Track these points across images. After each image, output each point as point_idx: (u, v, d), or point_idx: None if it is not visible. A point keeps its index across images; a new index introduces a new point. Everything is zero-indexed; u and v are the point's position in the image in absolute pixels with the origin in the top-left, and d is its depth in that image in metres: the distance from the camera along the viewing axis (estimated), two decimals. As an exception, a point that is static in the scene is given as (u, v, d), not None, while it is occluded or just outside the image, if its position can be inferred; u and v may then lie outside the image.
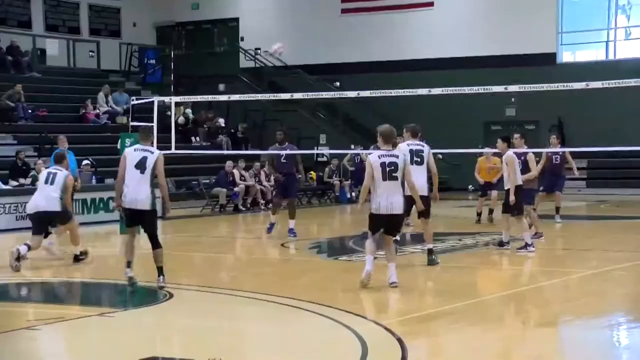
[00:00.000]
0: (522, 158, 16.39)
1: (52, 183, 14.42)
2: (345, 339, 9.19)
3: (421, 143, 13.70)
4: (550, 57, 32.09)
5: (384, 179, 11.59)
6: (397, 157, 11.75)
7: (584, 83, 17.06)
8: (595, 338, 9.47)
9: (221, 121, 31.60)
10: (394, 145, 12.32)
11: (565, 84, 18.09)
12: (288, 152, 18.15)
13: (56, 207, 14.33)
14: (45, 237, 14.81)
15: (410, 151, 13.23)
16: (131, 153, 12.21)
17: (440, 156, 19.71)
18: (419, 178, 12.92)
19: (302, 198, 28.07)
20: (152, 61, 34.66)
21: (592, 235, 18.80)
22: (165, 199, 12.74)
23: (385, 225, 11.79)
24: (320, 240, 18.42)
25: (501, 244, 15.65)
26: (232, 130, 31.62)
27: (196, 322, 10.19)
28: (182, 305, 11.27)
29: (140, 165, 12.08)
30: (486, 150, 18.96)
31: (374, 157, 11.70)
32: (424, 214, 13.46)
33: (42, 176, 14.80)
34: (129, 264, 12.35)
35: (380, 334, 9.30)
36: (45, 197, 14.35)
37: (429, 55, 33.36)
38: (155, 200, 12.23)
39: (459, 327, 9.75)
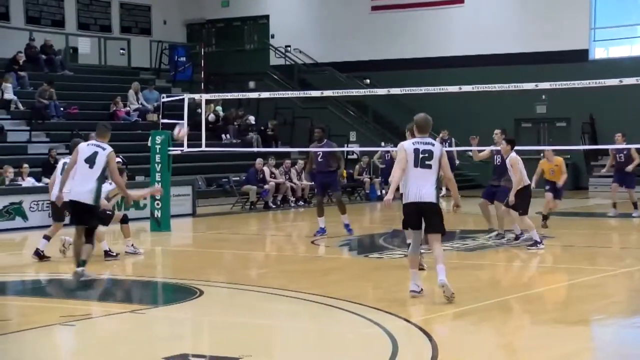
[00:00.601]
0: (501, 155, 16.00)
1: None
2: (375, 336, 9.18)
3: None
4: (582, 54, 31.87)
5: (416, 166, 10.60)
6: (434, 145, 10.77)
7: (617, 79, 16.95)
8: (628, 337, 9.39)
9: (251, 118, 31.65)
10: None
11: (597, 81, 18.00)
12: (325, 149, 17.94)
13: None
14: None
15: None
16: (83, 147, 12.49)
17: (469, 153, 19.52)
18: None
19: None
20: (183, 59, 34.79)
21: (622, 233, 18.65)
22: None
23: (416, 217, 10.69)
24: (350, 237, 18.38)
25: (517, 238, 15.66)
26: (262, 128, 31.67)
27: (226, 319, 10.22)
28: (212, 302, 11.30)
29: (90, 160, 12.31)
30: (547, 148, 18.79)
31: (407, 144, 10.78)
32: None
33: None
34: (81, 264, 12.30)
35: (410, 332, 9.28)
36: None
37: (460, 53, 33.24)
38: (99, 196, 12.44)
39: (490, 325, 9.71)
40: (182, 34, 38.30)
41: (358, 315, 10.06)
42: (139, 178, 22.70)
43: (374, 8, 35.25)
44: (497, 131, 16.39)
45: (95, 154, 12.33)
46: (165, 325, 10.04)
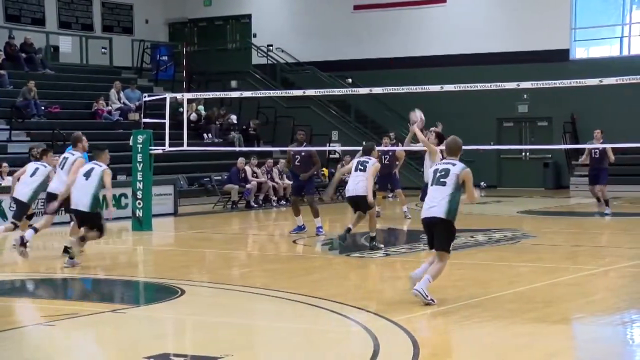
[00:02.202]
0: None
1: (62, 168, 14.68)
2: (357, 335, 9.18)
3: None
4: (563, 54, 31.99)
5: (432, 184, 10.77)
6: (454, 165, 10.72)
7: (598, 79, 17.02)
8: (608, 335, 9.43)
9: (233, 118, 31.61)
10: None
11: (578, 80, 18.08)
12: (303, 150, 18.11)
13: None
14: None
15: (358, 162, 15.40)
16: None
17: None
18: (360, 182, 15.25)
19: (314, 195, 28.03)
20: (165, 58, 34.72)
21: (605, 231, 18.74)
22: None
23: (427, 233, 10.82)
24: (332, 237, 18.36)
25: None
26: (244, 127, 31.63)
27: (208, 319, 10.19)
28: (194, 302, 11.27)
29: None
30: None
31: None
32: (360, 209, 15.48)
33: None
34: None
35: (392, 331, 9.28)
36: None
37: (442, 52, 33.30)
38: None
39: (472, 324, 9.71)
40: (164, 33, 38.22)
41: (340, 314, 10.06)
42: (121, 177, 22.61)
43: (356, 7, 35.27)
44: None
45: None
46: (147, 324, 10.01)
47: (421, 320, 9.88)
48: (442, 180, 10.62)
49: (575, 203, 26.51)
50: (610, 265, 13.98)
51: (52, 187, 14.73)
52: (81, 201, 13.65)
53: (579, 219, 21.78)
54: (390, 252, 15.41)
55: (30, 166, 15.30)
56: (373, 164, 15.76)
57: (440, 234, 10.63)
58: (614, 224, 19.32)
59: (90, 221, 13.74)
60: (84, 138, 15.01)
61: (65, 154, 14.94)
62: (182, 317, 10.43)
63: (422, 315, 10.12)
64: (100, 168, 13.80)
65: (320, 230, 17.94)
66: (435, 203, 10.58)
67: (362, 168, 15.69)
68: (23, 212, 15.34)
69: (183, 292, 11.55)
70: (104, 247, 15.70)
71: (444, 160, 11.02)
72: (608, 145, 20.82)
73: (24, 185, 15.05)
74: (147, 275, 13.94)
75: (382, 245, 15.73)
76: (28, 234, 14.40)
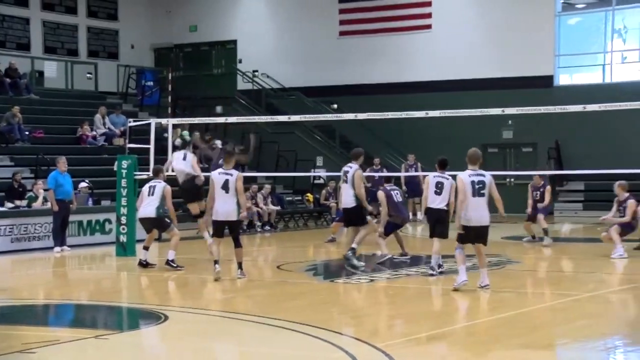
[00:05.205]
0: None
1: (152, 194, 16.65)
2: (340, 362, 9.14)
3: (352, 164, 15.87)
4: (547, 80, 32.13)
5: (473, 195, 12.96)
6: (485, 176, 13.14)
7: (581, 105, 17.11)
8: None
9: (218, 143, 31.56)
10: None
11: (562, 107, 18.17)
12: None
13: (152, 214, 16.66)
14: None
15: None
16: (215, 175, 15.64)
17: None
18: (347, 194, 15.87)
19: (298, 220, 28.03)
20: (150, 83, 34.67)
21: (588, 257, 18.76)
22: None
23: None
24: (316, 262, 18.34)
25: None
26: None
27: (191, 344, 10.14)
28: (177, 328, 11.21)
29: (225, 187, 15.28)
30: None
31: (464, 175, 13.15)
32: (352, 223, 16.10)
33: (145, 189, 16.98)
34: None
35: (376, 357, 9.24)
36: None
37: (427, 78, 33.39)
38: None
39: (456, 350, 9.69)
40: (149, 58, 38.24)
41: (324, 340, 10.02)
42: (105, 202, 22.55)
43: (342, 33, 35.39)
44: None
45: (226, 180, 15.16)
46: (129, 350, 9.94)
47: (405, 346, 9.85)
48: (482, 192, 12.99)
49: (560, 229, 26.54)
50: (595, 290, 13.99)
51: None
52: None
53: (564, 244, 21.80)
54: (375, 278, 15.38)
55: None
56: (354, 171, 15.76)
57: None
58: (596, 250, 19.31)
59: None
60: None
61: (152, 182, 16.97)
62: (166, 343, 10.37)
63: (406, 341, 10.09)
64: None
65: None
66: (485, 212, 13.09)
67: (345, 179, 15.78)
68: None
69: (167, 317, 11.49)
70: (88, 272, 15.64)
71: (475, 172, 13.23)
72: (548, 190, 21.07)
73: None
74: (130, 301, 13.87)
75: (360, 264, 15.71)
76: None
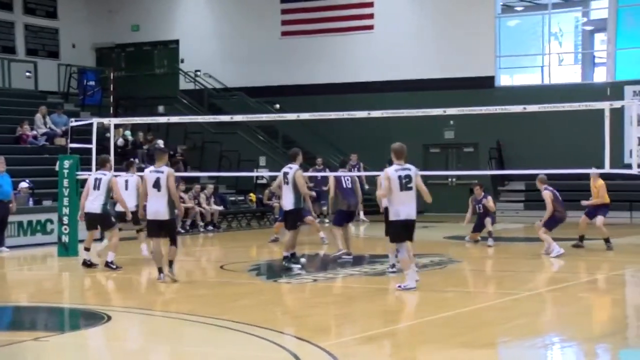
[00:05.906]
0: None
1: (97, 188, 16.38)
2: (284, 361, 9.17)
3: (291, 165, 16.07)
4: (488, 81, 32.48)
5: (401, 190, 13.15)
6: (410, 169, 13.27)
7: (522, 106, 17.30)
8: (531, 358, 9.56)
9: (160, 143, 31.39)
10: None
11: (503, 107, 18.36)
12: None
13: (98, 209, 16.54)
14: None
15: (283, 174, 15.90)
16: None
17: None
18: (285, 195, 15.98)
19: (241, 220, 27.99)
20: (92, 83, 34.38)
21: (527, 257, 19.01)
22: None
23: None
24: (259, 262, 18.34)
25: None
26: (172, 153, 31.42)
27: (134, 345, 10.09)
28: (120, 328, 11.15)
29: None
30: (592, 171, 19.15)
31: (391, 170, 13.22)
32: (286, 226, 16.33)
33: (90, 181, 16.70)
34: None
35: (320, 357, 9.28)
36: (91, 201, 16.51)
37: (370, 78, 33.57)
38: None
39: (399, 349, 9.77)
40: (91, 57, 37.89)
41: (267, 340, 10.03)
42: (47, 202, 22.31)
43: (284, 33, 35.41)
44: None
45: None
46: (71, 352, 9.86)
47: (348, 346, 9.90)
48: (409, 185, 13.15)
49: (502, 228, 26.77)
50: (534, 289, 14.20)
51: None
52: None
53: (505, 244, 22.05)
54: (318, 278, 15.43)
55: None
56: (294, 172, 15.83)
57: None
58: (536, 249, 19.56)
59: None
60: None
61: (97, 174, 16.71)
62: (108, 344, 10.30)
63: (350, 340, 10.15)
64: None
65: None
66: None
67: (286, 181, 15.83)
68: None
69: (109, 318, 11.42)
70: (28, 273, 15.47)
71: (401, 166, 13.24)
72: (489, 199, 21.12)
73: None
74: (72, 302, 13.75)
75: (296, 266, 15.79)
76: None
